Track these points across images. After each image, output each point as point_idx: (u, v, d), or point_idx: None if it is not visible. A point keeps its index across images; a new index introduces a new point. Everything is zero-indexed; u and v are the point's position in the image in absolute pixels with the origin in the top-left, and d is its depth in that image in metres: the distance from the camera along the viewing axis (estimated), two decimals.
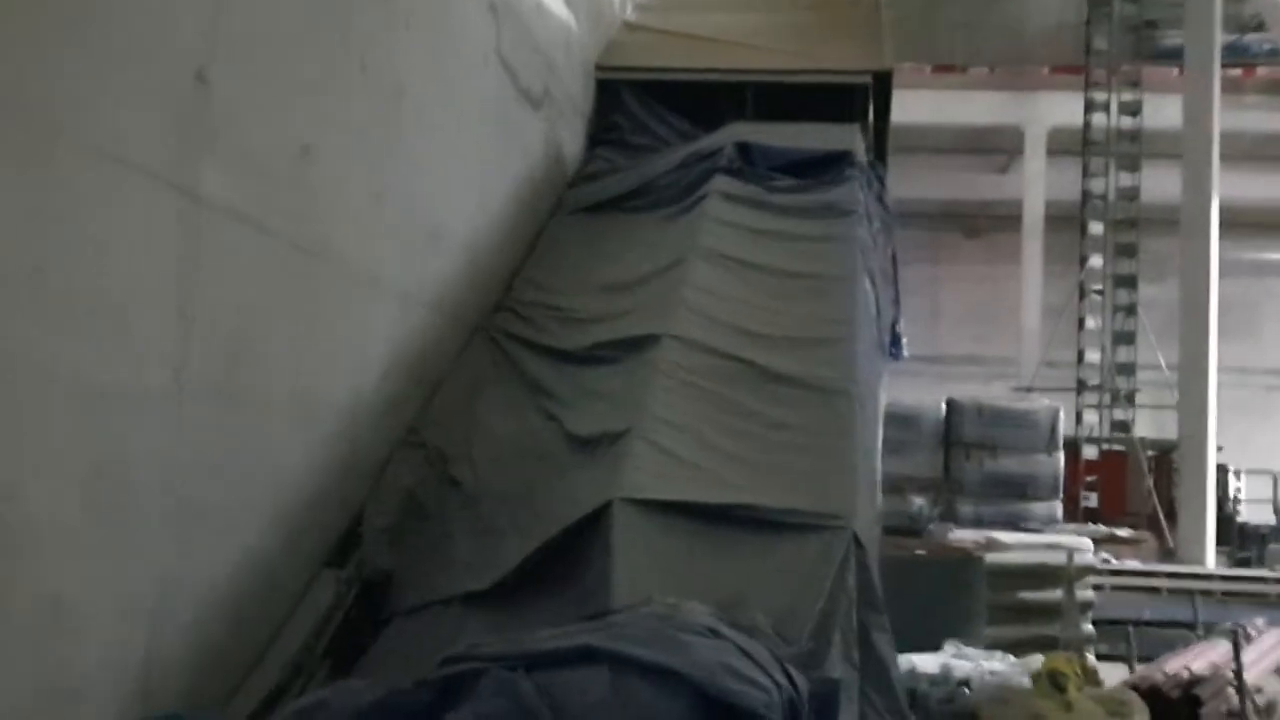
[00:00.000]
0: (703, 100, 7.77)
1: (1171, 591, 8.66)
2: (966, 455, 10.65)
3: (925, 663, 5.14)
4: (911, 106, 16.41)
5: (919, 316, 21.82)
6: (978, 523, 9.86)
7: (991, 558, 6.56)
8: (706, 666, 2.42)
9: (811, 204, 6.08)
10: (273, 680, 3.51)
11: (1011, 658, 5.35)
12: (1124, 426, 14.79)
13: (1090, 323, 15.42)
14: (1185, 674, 5.06)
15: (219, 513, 3.36)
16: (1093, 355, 15.38)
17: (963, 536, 7.02)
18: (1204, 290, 12.71)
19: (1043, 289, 17.08)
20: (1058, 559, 6.68)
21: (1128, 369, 15.25)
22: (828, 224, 5.81)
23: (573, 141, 7.44)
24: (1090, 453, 14.51)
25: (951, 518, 10.25)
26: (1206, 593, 8.59)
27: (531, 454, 4.53)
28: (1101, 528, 10.42)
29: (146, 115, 3.00)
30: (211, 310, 3.25)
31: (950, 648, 5.55)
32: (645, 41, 8.23)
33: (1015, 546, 6.80)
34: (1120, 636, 7.41)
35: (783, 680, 2.51)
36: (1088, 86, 15.56)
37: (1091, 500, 13.59)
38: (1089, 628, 6.73)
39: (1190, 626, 7.15)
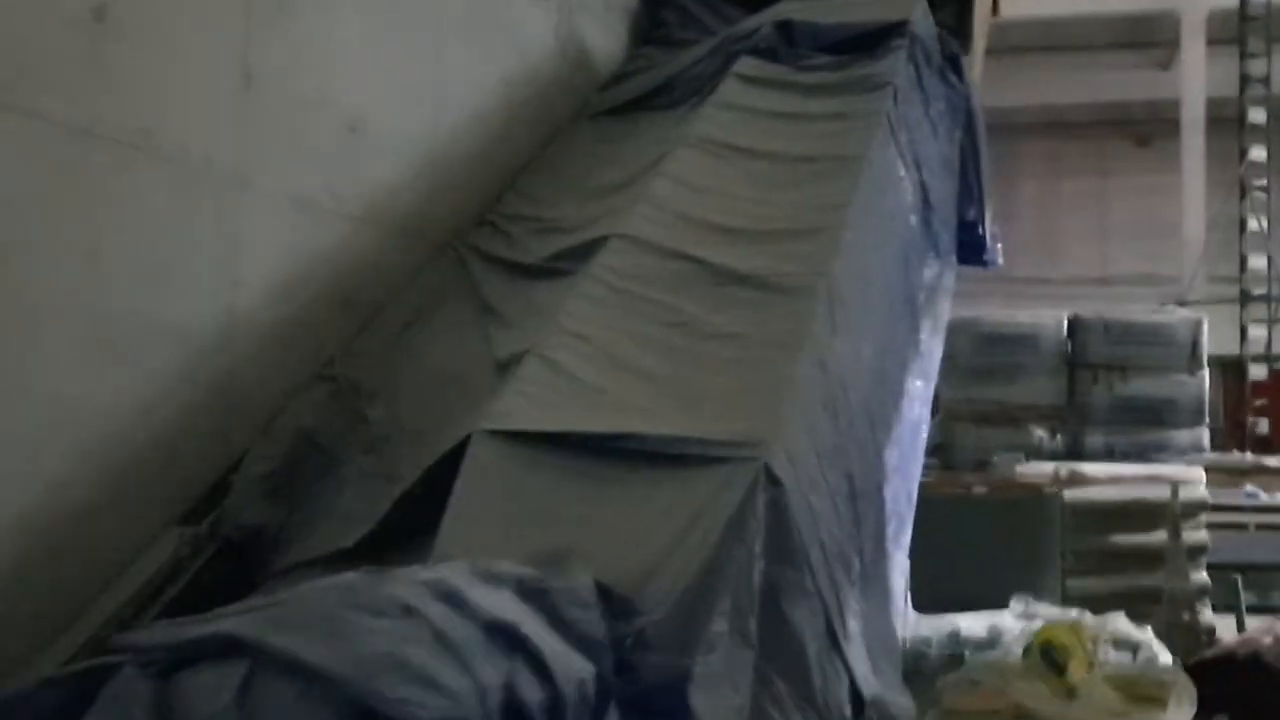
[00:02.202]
0: None
1: None
2: (1094, 378, 9.36)
3: (973, 624, 4.22)
4: None
5: (1086, 235, 20.22)
6: (1109, 454, 8.68)
7: (1072, 494, 5.51)
8: (368, 663, 1.65)
9: (842, 80, 5.13)
10: (63, 658, 2.88)
11: (1089, 615, 4.38)
12: None
13: (1253, 224, 13.66)
14: None
15: None
16: (1257, 262, 13.64)
17: (1038, 470, 5.95)
18: None
19: (1208, 195, 15.37)
20: (1158, 494, 5.57)
21: None
22: (852, 100, 4.87)
23: (605, 41, 6.59)
24: (1259, 373, 12.87)
25: (1077, 450, 9.08)
26: None
27: (458, 385, 3.82)
28: (1248, 456, 9.04)
29: None
30: None
31: (1018, 604, 4.60)
32: None
33: (1104, 480, 5.70)
34: (1269, 585, 6.31)
35: (496, 679, 1.72)
36: None
37: (1262, 426, 12.05)
38: (1201, 576, 5.62)
39: None
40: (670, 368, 3.21)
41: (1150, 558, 5.38)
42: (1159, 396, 9.25)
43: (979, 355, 9.36)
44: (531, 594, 2.15)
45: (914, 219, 4.73)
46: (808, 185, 4.18)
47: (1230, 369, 12.83)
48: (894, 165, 4.61)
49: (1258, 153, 13.58)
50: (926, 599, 4.54)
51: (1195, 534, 5.62)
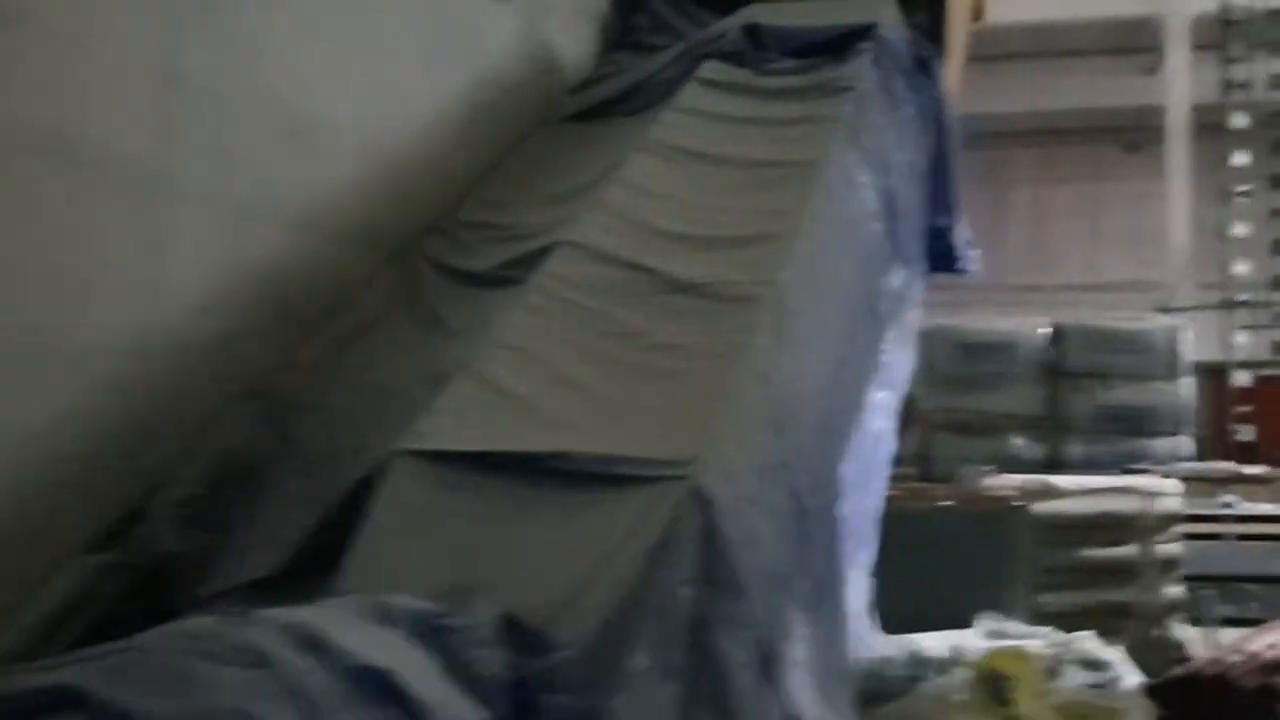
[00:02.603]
0: None
1: None
2: (1074, 387, 9.23)
3: (936, 645, 4.07)
4: (1038, 3, 14.88)
5: (1078, 242, 20.09)
6: (1089, 464, 8.52)
7: (1041, 507, 5.34)
8: (209, 717, 1.48)
9: (804, 84, 5.01)
10: None
11: (1057, 634, 4.23)
12: None
13: (1237, 230, 13.46)
14: (1271, 655, 3.84)
15: None
16: (1241, 267, 13.44)
17: (1004, 482, 5.79)
18: None
19: (1196, 201, 15.22)
20: (1130, 507, 5.39)
21: None
22: (814, 105, 4.74)
23: (575, 45, 6.45)
24: (1243, 379, 12.66)
25: (1058, 460, 8.92)
26: None
27: (398, 401, 3.65)
28: (1229, 465, 8.86)
29: None
30: None
31: (984, 622, 4.44)
32: None
33: (1075, 493, 5.53)
34: (1248, 596, 6.17)
35: None
36: None
37: (1247, 434, 11.85)
38: (1173, 590, 5.44)
39: None
40: (608, 382, 3.06)
41: (1122, 572, 5.21)
42: (1140, 405, 9.09)
43: (958, 364, 9.19)
44: (430, 632, 2.00)
45: (877, 226, 4.58)
46: (763, 191, 4.04)
47: (1217, 376, 12.66)
48: (855, 171, 4.47)
49: (1241, 158, 13.39)
50: (891, 618, 4.38)
51: (1168, 547, 5.46)
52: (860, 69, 5.02)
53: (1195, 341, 12.78)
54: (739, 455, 2.77)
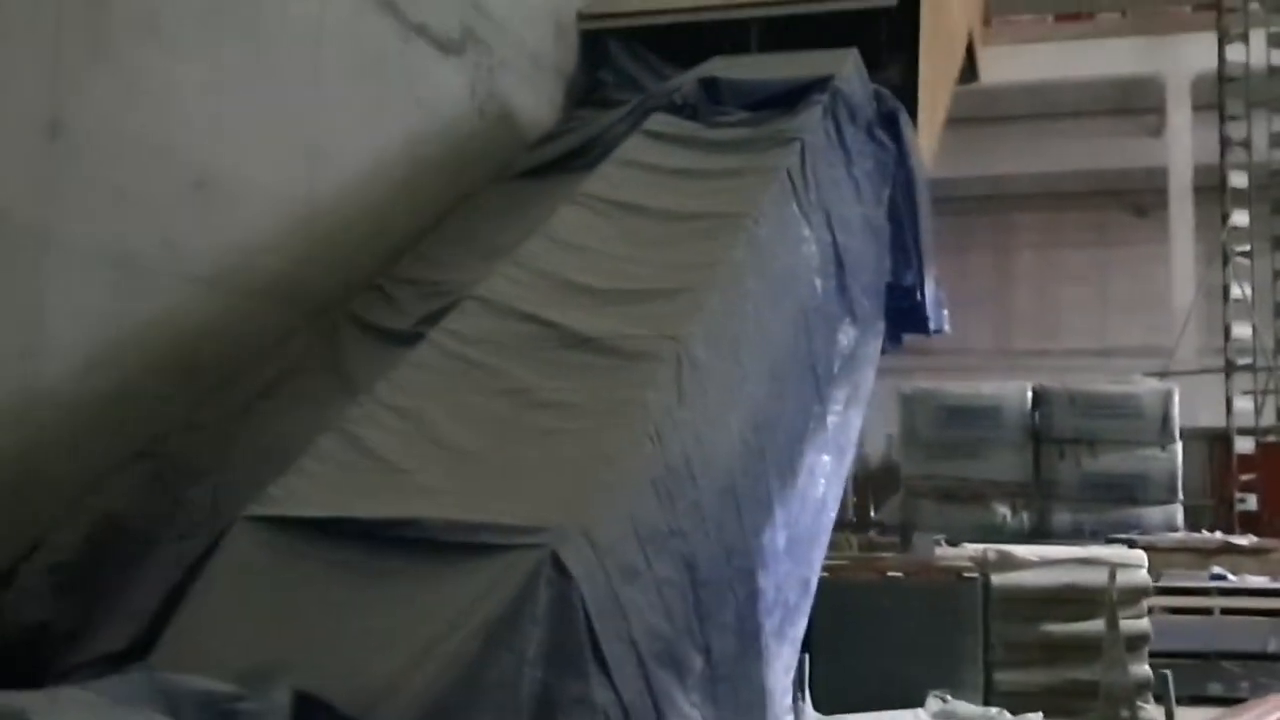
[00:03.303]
0: (703, 45, 6.61)
1: None
2: (1060, 453, 8.93)
3: None
4: (1035, 63, 14.79)
5: (1086, 305, 19.83)
6: (1077, 533, 8.23)
7: (1000, 579, 5.06)
8: None
9: (751, 136, 4.86)
10: None
11: (1008, 715, 3.97)
12: None
13: (1236, 291, 13.15)
14: None
15: None
16: (1241, 330, 13.11)
17: (960, 551, 5.52)
18: None
19: (1199, 263, 14.94)
20: (1094, 579, 5.10)
21: None
22: (756, 156, 4.58)
23: (535, 101, 6.36)
24: (1245, 446, 12.31)
25: (1044, 528, 8.62)
26: None
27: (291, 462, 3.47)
28: (1217, 536, 8.52)
29: None
30: None
31: (934, 702, 4.18)
32: None
33: (1036, 563, 5.25)
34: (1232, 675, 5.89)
35: None
36: (1222, 12, 13.31)
37: (1250, 503, 11.48)
38: (1142, 669, 5.13)
39: None
40: (486, 443, 2.86)
41: (1087, 648, 4.93)
42: (1129, 472, 8.79)
43: (941, 429, 8.94)
44: (218, 716, 1.79)
45: (820, 281, 4.38)
46: (688, 243, 3.87)
47: (1223, 442, 12.29)
48: (794, 224, 4.29)
49: (1240, 218, 13.08)
50: (835, 696, 4.13)
51: (1136, 622, 5.18)
52: (809, 121, 4.86)
53: (1201, 407, 12.42)
54: (614, 522, 2.56)
